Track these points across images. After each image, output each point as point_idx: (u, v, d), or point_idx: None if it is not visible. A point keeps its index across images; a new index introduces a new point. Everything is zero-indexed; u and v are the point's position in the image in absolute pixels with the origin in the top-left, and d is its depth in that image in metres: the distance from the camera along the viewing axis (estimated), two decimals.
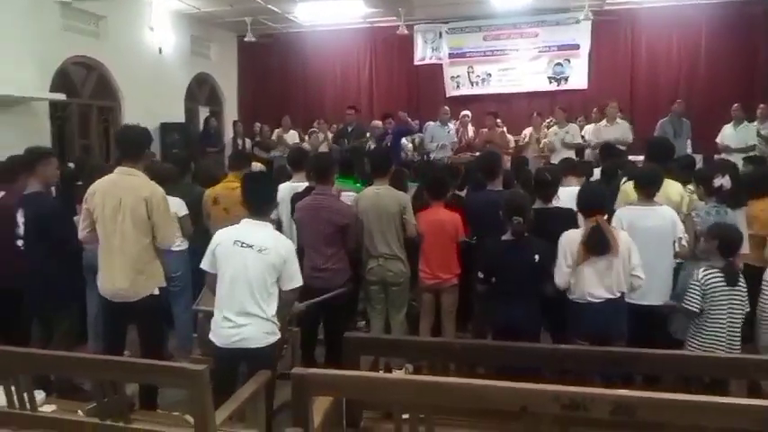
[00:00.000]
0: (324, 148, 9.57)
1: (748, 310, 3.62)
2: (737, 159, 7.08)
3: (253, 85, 12.67)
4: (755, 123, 8.40)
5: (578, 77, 11.03)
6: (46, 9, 7.48)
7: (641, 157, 5.91)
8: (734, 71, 10.12)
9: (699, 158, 7.23)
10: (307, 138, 10.33)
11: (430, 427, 2.23)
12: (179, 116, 10.55)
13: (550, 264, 3.57)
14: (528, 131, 9.40)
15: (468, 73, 11.60)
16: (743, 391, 3.55)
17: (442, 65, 11.68)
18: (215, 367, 3.08)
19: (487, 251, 3.69)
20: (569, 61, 11.06)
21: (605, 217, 3.59)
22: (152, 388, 3.69)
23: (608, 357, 2.81)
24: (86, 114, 8.71)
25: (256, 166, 6.52)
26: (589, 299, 3.48)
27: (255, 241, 3.16)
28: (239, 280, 3.13)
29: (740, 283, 3.54)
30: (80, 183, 4.80)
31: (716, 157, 8.00)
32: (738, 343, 3.56)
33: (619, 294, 3.48)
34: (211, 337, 3.25)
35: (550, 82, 11.22)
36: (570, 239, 3.54)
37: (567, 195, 4.39)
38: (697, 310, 3.53)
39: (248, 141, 10.68)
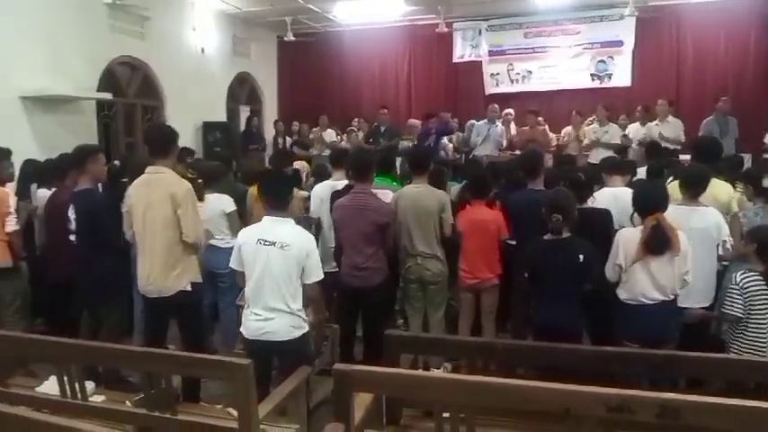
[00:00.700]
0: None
1: None
2: None
3: (292, 84, 12.81)
4: None
5: (622, 75, 10.80)
6: (94, 11, 7.70)
7: (688, 157, 5.76)
8: None
9: (747, 158, 7.02)
10: (345, 137, 10.38)
11: (471, 426, 2.23)
12: (221, 115, 10.73)
13: (594, 264, 3.51)
14: (567, 130, 9.28)
15: (508, 70, 11.48)
16: None
17: (481, 62, 11.58)
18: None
19: (527, 251, 3.64)
20: (612, 58, 10.84)
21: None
22: (195, 381, 3.78)
23: (651, 360, 2.76)
24: (131, 113, 8.93)
25: (298, 163, 6.58)
26: (642, 300, 3.40)
27: (277, 238, 3.22)
28: (264, 276, 3.21)
29: None
30: (125, 180, 4.94)
31: (765, 156, 7.77)
32: None
33: (672, 297, 3.40)
34: (242, 330, 3.35)
35: (593, 79, 11.01)
36: (627, 237, 3.47)
37: (608, 195, 4.32)
38: (741, 315, 3.43)
39: (288, 140, 10.79)
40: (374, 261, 4.19)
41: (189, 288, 3.74)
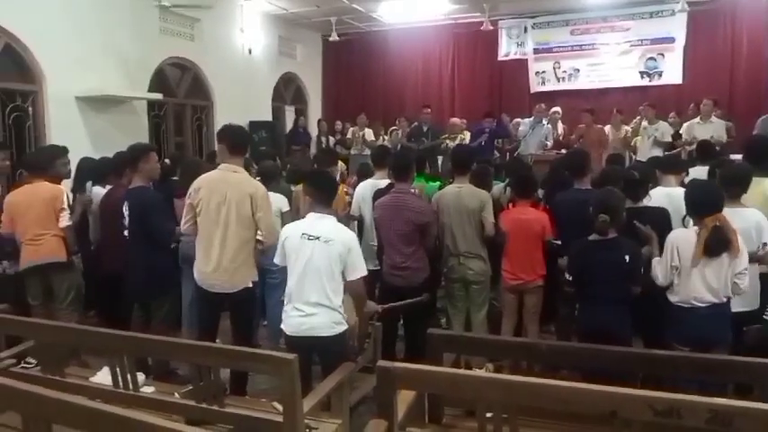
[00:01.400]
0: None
1: None
2: None
3: (336, 83, 12.92)
4: None
5: (672, 72, 10.52)
6: (146, 14, 7.94)
7: (740, 156, 5.56)
8: None
9: None
10: (387, 136, 10.41)
11: (514, 427, 2.22)
12: (266, 115, 10.92)
13: (640, 265, 3.43)
14: (607, 129, 9.06)
15: (555, 68, 11.32)
16: None
17: (526, 60, 11.46)
18: None
19: (575, 251, 3.59)
20: (663, 55, 10.57)
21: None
22: (242, 375, 3.86)
23: (701, 364, 2.68)
24: (181, 113, 9.18)
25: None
26: (694, 303, 3.30)
27: (321, 233, 3.26)
28: (307, 271, 3.24)
29: None
30: (175, 178, 5.08)
31: None
32: None
33: (725, 299, 3.30)
34: (283, 326, 3.38)
35: (642, 77, 10.76)
36: (681, 238, 3.36)
37: (661, 195, 4.21)
38: None
39: (331, 139, 10.88)
40: (414, 260, 4.20)
41: (251, 285, 3.83)
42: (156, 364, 4.23)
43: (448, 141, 9.00)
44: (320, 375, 3.28)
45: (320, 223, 3.32)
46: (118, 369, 3.02)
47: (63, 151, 4.91)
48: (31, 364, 3.73)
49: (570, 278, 3.59)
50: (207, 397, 2.83)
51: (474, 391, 2.27)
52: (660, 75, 10.66)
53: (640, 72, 10.78)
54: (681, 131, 8.51)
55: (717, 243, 3.23)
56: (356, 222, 5.15)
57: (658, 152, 7.88)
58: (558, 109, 9.64)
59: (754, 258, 3.53)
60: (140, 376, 3.17)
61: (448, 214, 4.39)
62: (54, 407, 2.09)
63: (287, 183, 5.61)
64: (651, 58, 10.68)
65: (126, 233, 4.31)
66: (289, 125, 11.30)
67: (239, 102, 9.91)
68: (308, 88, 12.53)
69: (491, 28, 10.79)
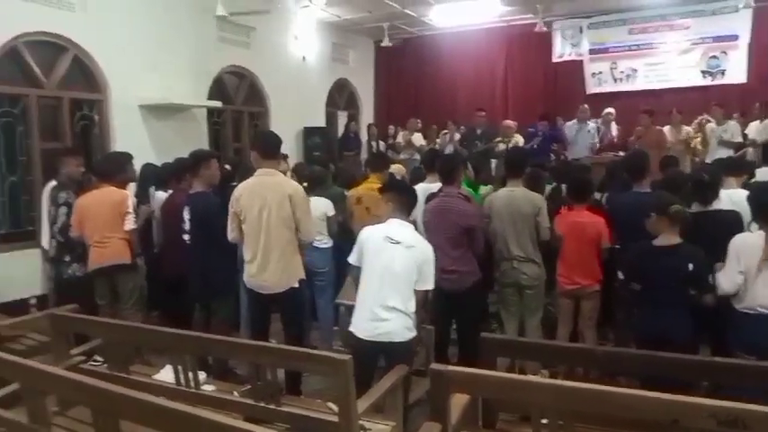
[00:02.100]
0: (450, 149, 9.58)
1: None
2: None
3: (388, 88, 12.98)
4: None
5: (736, 71, 10.11)
6: (205, 23, 8.18)
7: None
8: None
9: None
10: (438, 140, 10.40)
11: None
12: (320, 120, 11.07)
13: (706, 273, 3.32)
14: (666, 130, 8.76)
15: (612, 69, 11.05)
16: None
17: (582, 61, 11.24)
18: (353, 359, 3.22)
19: (637, 255, 3.49)
20: (726, 53, 10.17)
21: None
22: (297, 375, 3.93)
23: (763, 372, 2.57)
24: (239, 119, 9.41)
25: (395, 167, 6.68)
26: (760, 309, 3.18)
27: (403, 238, 3.31)
28: (386, 274, 3.28)
29: None
30: (235, 183, 5.21)
31: None
32: None
33: None
34: (352, 329, 3.39)
35: (704, 76, 10.39)
36: (746, 243, 3.25)
37: (723, 198, 4.06)
38: None
39: (381, 144, 10.92)
40: (462, 264, 4.18)
41: (297, 285, 3.91)
42: (216, 364, 4.36)
43: (501, 144, 8.92)
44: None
45: (402, 230, 3.39)
46: (180, 367, 3.12)
47: (129, 158, 5.14)
48: (98, 361, 3.90)
49: (624, 280, 3.50)
50: (265, 396, 2.90)
51: (530, 397, 2.25)
52: (723, 73, 10.26)
53: (702, 71, 10.41)
54: (746, 131, 8.18)
55: None
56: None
57: (725, 153, 7.57)
58: (611, 110, 9.41)
59: None
60: (201, 375, 3.28)
61: (500, 218, 4.36)
62: (122, 402, 2.19)
63: (339, 187, 5.68)
64: (713, 57, 10.30)
65: (186, 237, 4.46)
66: (341, 130, 11.43)
67: (294, 108, 10.09)
68: (360, 93, 12.64)
69: (545, 29, 10.63)
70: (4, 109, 6.04)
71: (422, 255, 3.32)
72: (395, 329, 3.26)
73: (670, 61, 10.61)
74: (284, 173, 5.03)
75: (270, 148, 4.00)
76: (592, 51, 11.14)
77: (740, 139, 8.05)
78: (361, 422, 2.69)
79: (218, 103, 8.38)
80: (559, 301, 4.46)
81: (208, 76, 8.44)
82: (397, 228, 3.40)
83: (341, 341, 4.42)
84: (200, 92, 8.25)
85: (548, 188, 5.43)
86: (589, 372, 3.32)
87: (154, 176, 5.55)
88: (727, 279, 3.27)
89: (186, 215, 4.43)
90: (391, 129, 11.35)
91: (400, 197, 3.54)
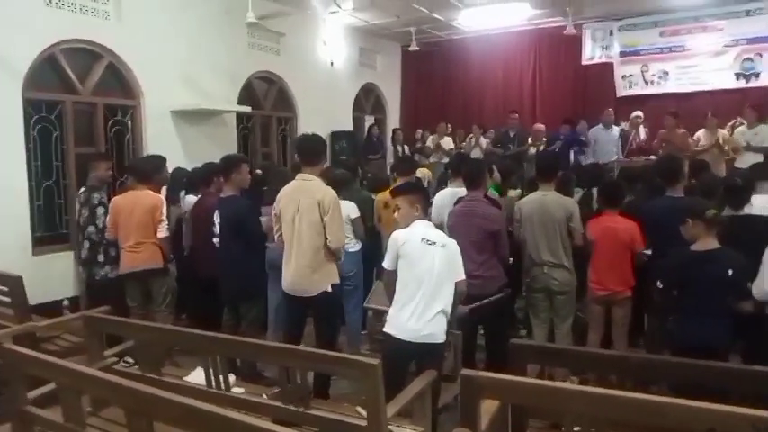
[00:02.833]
0: (477, 153, 9.55)
1: None
2: None
3: (415, 92, 12.98)
4: None
5: None
6: (236, 30, 8.29)
7: None
8: None
9: None
10: (464, 144, 10.37)
11: None
12: (347, 125, 11.13)
13: (746, 279, 3.24)
14: (701, 133, 8.57)
15: (642, 72, 10.87)
16: None
17: (612, 64, 11.07)
18: (385, 362, 3.20)
19: (675, 262, 3.42)
20: (761, 56, 9.91)
21: None
22: (325, 378, 3.94)
23: None
24: (267, 124, 9.51)
25: (420, 171, 6.69)
26: None
27: (437, 239, 3.37)
28: (431, 276, 3.29)
29: None
30: (266, 188, 5.27)
31: None
32: None
33: None
34: (391, 331, 3.34)
35: (738, 79, 10.14)
36: None
37: (762, 203, 3.97)
38: None
39: (407, 148, 10.91)
40: (486, 269, 4.17)
41: (330, 289, 3.93)
42: (244, 366, 4.39)
43: (532, 148, 8.86)
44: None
45: (433, 230, 3.46)
46: (211, 369, 3.15)
47: (163, 161, 5.24)
48: (129, 362, 3.97)
49: (662, 287, 3.43)
50: (294, 399, 2.91)
51: (561, 403, 2.21)
52: (757, 76, 10.00)
53: (736, 74, 10.16)
54: None
55: None
56: None
57: (756, 158, 7.39)
58: (639, 113, 9.25)
59: None
60: (231, 377, 3.30)
61: (531, 223, 4.32)
62: (155, 403, 2.21)
63: (368, 191, 5.70)
64: (748, 59, 10.06)
65: (216, 240, 4.51)
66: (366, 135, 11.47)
67: (321, 113, 10.15)
68: (387, 98, 12.67)
69: (574, 32, 10.49)
70: (41, 114, 6.19)
71: (455, 250, 3.39)
72: (437, 330, 3.29)
73: (703, 64, 10.40)
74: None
75: (307, 154, 4.04)
76: (622, 54, 10.98)
77: None
78: (389, 427, 2.68)
79: (247, 109, 8.47)
80: (590, 307, 4.39)
81: (238, 82, 8.55)
82: (428, 229, 3.45)
83: (369, 345, 4.41)
84: (231, 97, 8.36)
85: (579, 192, 5.36)
86: (622, 379, 3.26)
87: (184, 180, 5.63)
88: (761, 285, 3.20)
89: (217, 218, 4.49)
90: (419, 133, 11.34)
91: (423, 199, 3.60)
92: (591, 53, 11.26)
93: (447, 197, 5.05)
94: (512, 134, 9.34)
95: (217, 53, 8.02)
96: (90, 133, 6.69)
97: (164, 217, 4.81)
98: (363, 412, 2.76)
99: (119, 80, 6.98)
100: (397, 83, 13.02)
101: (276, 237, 4.07)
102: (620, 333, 4.28)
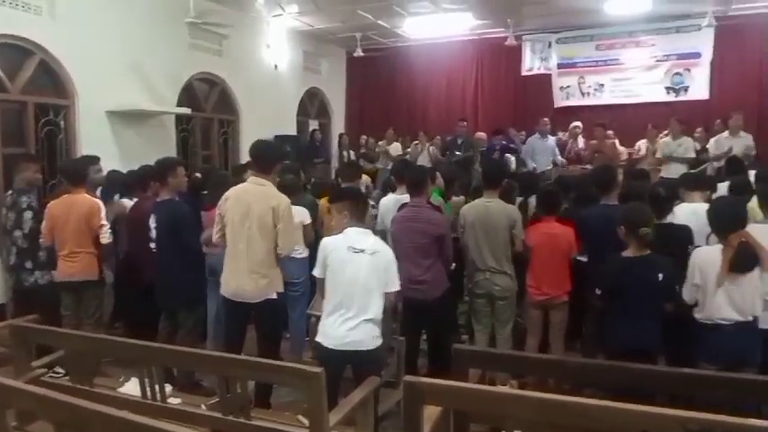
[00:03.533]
0: (423, 160, 9.67)
1: None
2: None
3: (360, 98, 13.02)
4: None
5: (699, 88, 10.40)
6: (176, 30, 8.08)
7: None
8: None
9: None
10: (410, 150, 10.46)
11: None
12: (291, 129, 11.03)
13: (675, 283, 3.39)
14: (642, 143, 8.99)
15: (579, 83, 11.27)
16: None
17: (550, 75, 11.44)
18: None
19: (609, 268, 3.54)
20: (689, 71, 10.46)
21: None
22: (267, 387, 3.88)
23: (736, 384, 2.62)
24: (208, 127, 9.31)
25: (362, 178, 6.69)
26: (718, 321, 3.27)
27: (366, 246, 3.32)
28: (355, 284, 3.27)
29: None
30: (205, 192, 5.15)
31: None
32: None
33: (751, 318, 3.25)
34: (319, 337, 3.37)
35: (668, 92, 10.66)
36: (704, 256, 3.35)
37: (687, 212, 4.17)
38: None
39: (352, 153, 10.94)
40: (432, 274, 4.20)
41: (274, 296, 3.86)
42: (181, 376, 4.27)
43: (478, 155, 9.06)
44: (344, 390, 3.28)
45: (363, 237, 3.39)
46: (146, 380, 3.05)
47: (94, 159, 5.05)
48: (59, 373, 3.79)
49: (600, 293, 3.55)
50: (233, 409, 2.85)
51: (502, 408, 2.24)
52: (686, 90, 10.54)
53: (666, 87, 10.68)
54: (708, 146, 8.39)
55: (743, 260, 3.20)
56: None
57: (681, 168, 7.77)
58: (578, 124, 9.59)
59: None
60: (167, 387, 3.20)
61: (474, 229, 4.38)
62: (86, 416, 2.11)
63: (312, 196, 5.66)
64: (677, 74, 10.58)
65: (152, 246, 4.38)
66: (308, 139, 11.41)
67: (265, 116, 10.03)
68: (331, 103, 12.64)
69: (515, 43, 10.79)
70: None
71: (385, 260, 3.34)
72: (363, 338, 3.27)
73: (636, 77, 10.87)
74: None
75: (262, 160, 3.95)
76: (560, 66, 11.35)
77: (693, 155, 8.24)
78: None
79: (187, 110, 8.28)
80: (529, 311, 4.49)
81: (177, 83, 8.34)
82: (358, 236, 3.39)
83: (312, 352, 4.37)
84: (170, 99, 8.14)
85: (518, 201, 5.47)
86: (559, 383, 3.35)
87: (119, 183, 5.45)
88: (686, 290, 3.36)
89: (152, 223, 4.36)
90: (363, 138, 11.37)
91: (354, 204, 3.51)
92: (530, 64, 11.58)
93: (391, 203, 5.07)
94: (459, 141, 9.50)
95: (156, 53, 7.80)
96: (19, 133, 6.37)
97: (104, 221, 4.62)
98: (305, 421, 2.73)
99: (51, 78, 6.69)
100: (342, 88, 13.02)
101: (216, 237, 3.95)
102: (557, 337, 4.39)
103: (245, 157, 5.74)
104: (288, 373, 2.66)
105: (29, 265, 4.76)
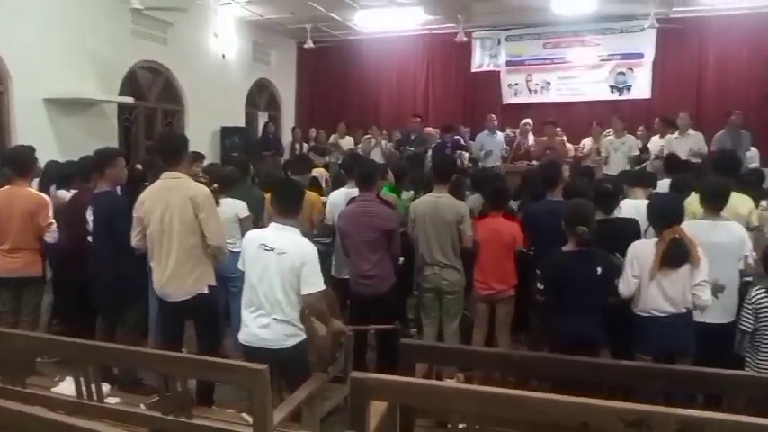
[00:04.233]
0: (376, 154, 9.66)
1: None
2: None
3: (310, 90, 12.89)
4: None
5: (641, 87, 10.75)
6: (119, 16, 7.82)
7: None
8: None
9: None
10: (361, 144, 10.43)
11: None
12: (239, 120, 10.84)
13: (613, 276, 3.48)
14: (587, 141, 9.22)
15: (527, 81, 11.46)
16: None
17: (499, 72, 11.59)
18: None
19: (549, 262, 3.62)
20: (632, 71, 10.79)
21: None
22: (209, 385, 3.79)
23: (672, 375, 2.72)
24: (152, 117, 9.06)
25: (317, 171, 6.63)
26: (654, 313, 3.38)
27: (277, 244, 3.21)
28: (262, 282, 3.20)
29: None
30: (147, 183, 4.98)
31: None
32: None
33: (685, 310, 3.37)
34: (238, 334, 3.35)
35: (612, 91, 10.96)
36: (640, 250, 3.45)
37: (629, 207, 4.29)
38: (748, 330, 3.49)
39: (306, 146, 10.84)
40: (380, 268, 4.19)
41: (206, 291, 3.76)
42: (123, 375, 4.14)
43: (430, 151, 9.09)
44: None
45: (279, 234, 3.27)
46: (82, 379, 2.93)
47: (30, 150, 4.81)
48: None
49: (543, 288, 3.61)
50: (174, 408, 2.77)
51: (449, 402, 2.26)
52: (629, 89, 10.87)
53: (610, 86, 10.98)
54: (648, 145, 8.67)
55: (675, 255, 3.32)
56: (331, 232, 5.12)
57: (624, 165, 8.01)
58: (529, 120, 9.73)
59: (748, 271, 3.65)
60: (105, 387, 3.10)
61: (424, 224, 4.39)
62: (18, 419, 2.02)
63: (260, 190, 5.55)
64: (621, 73, 10.89)
65: (90, 239, 4.21)
66: (261, 131, 11.23)
67: (211, 107, 9.82)
68: (282, 94, 12.47)
69: (465, 39, 10.88)
70: None
71: (293, 260, 3.17)
72: (272, 336, 3.20)
73: (581, 76, 11.14)
74: (196, 174, 4.86)
75: (170, 153, 3.82)
76: (509, 63, 11.51)
77: (636, 153, 8.51)
78: None
79: (129, 99, 8.02)
80: (476, 305, 4.54)
81: (120, 71, 8.07)
82: (274, 233, 3.29)
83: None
84: (112, 87, 7.87)
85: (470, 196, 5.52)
86: (505, 375, 3.39)
87: (57, 174, 5.22)
88: (623, 283, 3.45)
89: (90, 216, 4.19)
90: (313, 131, 11.26)
91: (278, 200, 3.40)
92: (480, 61, 11.70)
93: (342, 198, 5.03)
94: (412, 137, 9.53)
95: (97, 40, 7.52)
96: None
97: (51, 219, 4.40)
98: (249, 419, 2.68)
99: None
100: (293, 80, 12.87)
101: (135, 240, 3.82)
102: (503, 330, 4.46)
103: (190, 149, 5.60)
104: (230, 370, 2.61)
105: None
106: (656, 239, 3.43)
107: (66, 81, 7.01)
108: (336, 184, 5.96)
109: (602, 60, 10.95)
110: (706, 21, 10.33)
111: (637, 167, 7.85)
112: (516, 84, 11.55)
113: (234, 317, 4.82)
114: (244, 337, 3.29)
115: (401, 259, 4.72)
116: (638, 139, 8.84)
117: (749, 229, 4.02)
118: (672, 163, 6.31)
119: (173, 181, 3.73)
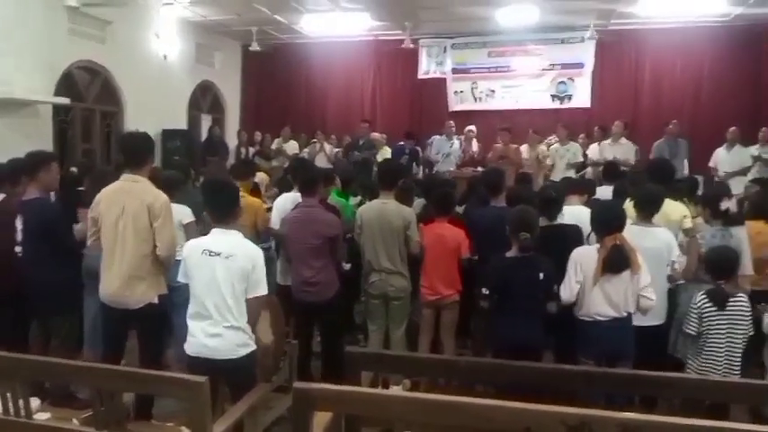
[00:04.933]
0: (321, 159, 9.60)
1: (752, 333, 3.60)
2: (734, 182, 7.14)
3: (256, 94, 12.70)
4: (757, 146, 8.40)
5: (581, 96, 11.08)
6: (54, 13, 7.50)
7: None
8: (737, 94, 10.17)
9: (700, 180, 7.21)
10: (307, 149, 10.36)
11: None
12: (182, 123, 10.57)
13: (555, 282, 3.54)
14: (524, 148, 9.36)
15: (472, 88, 11.64)
16: (746, 416, 3.54)
17: (445, 79, 11.72)
18: None
19: (492, 268, 3.66)
20: (573, 80, 11.11)
21: None
22: (148, 398, 3.65)
23: (611, 378, 2.78)
24: (89, 119, 8.73)
25: (259, 176, 6.50)
26: (596, 317, 3.46)
27: (223, 249, 3.08)
28: (209, 289, 3.07)
29: (738, 306, 3.55)
30: (82, 188, 4.78)
31: (715, 179, 8.01)
32: (738, 366, 3.57)
33: (626, 314, 3.46)
34: (185, 347, 3.18)
35: (553, 100, 11.26)
36: (583, 255, 3.52)
37: (567, 214, 4.39)
38: (693, 333, 3.61)
39: (252, 150, 10.67)
40: (324, 275, 4.17)
41: (156, 301, 3.64)
42: (55, 388, 3.94)
43: (378, 156, 9.09)
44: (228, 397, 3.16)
45: (223, 239, 3.14)
46: (9, 395, 2.77)
47: None
48: None
49: (486, 293, 3.65)
50: (109, 423, 2.65)
51: (392, 411, 2.24)
52: (570, 98, 11.19)
53: (552, 95, 11.27)
54: (587, 152, 8.94)
55: (616, 261, 3.41)
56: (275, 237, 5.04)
57: (569, 172, 8.23)
58: (472, 127, 9.84)
59: (675, 277, 3.77)
60: (35, 402, 2.95)
61: (371, 229, 4.37)
62: None
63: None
64: (562, 82, 11.20)
65: (18, 249, 4.00)
66: (205, 134, 11.00)
67: (152, 109, 9.53)
68: (226, 97, 12.24)
69: (412, 46, 10.97)
70: None
71: (244, 263, 3.07)
72: (223, 346, 3.06)
73: (524, 84, 11.39)
74: None
75: (135, 154, 3.68)
76: (455, 71, 11.66)
77: (581, 160, 8.77)
78: None
79: (65, 100, 7.71)
80: (422, 311, 4.55)
81: (55, 71, 7.74)
82: (218, 237, 3.15)
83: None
84: (46, 87, 7.53)
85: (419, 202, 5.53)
86: (450, 382, 3.40)
87: None
88: (565, 288, 3.53)
89: (19, 224, 3.97)
90: (258, 135, 11.10)
91: (210, 208, 3.28)
92: (426, 68, 11.81)
93: (288, 203, 4.96)
94: (361, 142, 9.51)
95: (30, 38, 7.18)
96: None
97: None
98: None
99: None
100: (237, 82, 12.65)
101: (90, 241, 3.68)
102: (448, 335, 4.48)
103: None
104: (167, 383, 2.51)
105: None
106: (597, 245, 3.52)
107: None
108: (282, 188, 5.88)
109: (543, 70, 11.23)
110: (642, 33, 10.75)
111: (577, 174, 8.09)
112: (462, 91, 11.71)
113: (177, 328, 4.68)
114: (192, 348, 3.11)
115: (348, 265, 4.70)
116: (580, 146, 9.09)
117: (686, 233, 4.18)
118: (610, 170, 6.50)
119: (132, 184, 3.60)
